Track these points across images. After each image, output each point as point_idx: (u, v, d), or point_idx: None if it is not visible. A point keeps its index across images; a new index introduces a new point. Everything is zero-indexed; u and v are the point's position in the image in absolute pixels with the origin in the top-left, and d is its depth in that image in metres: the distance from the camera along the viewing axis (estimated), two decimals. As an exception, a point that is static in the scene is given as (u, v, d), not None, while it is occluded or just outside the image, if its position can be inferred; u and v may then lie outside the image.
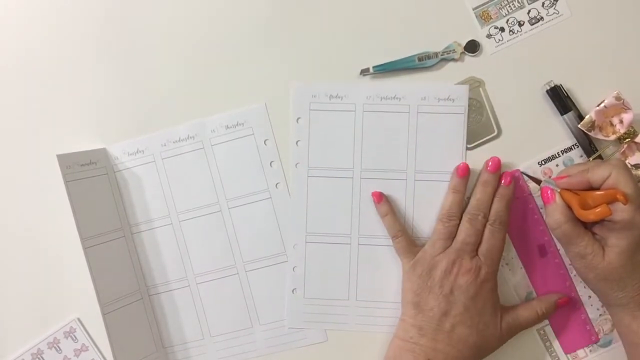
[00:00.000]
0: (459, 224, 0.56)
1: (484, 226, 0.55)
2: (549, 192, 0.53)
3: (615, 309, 0.53)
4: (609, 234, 0.51)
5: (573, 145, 0.58)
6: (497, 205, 0.56)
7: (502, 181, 0.56)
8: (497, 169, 0.56)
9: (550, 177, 0.57)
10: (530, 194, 0.58)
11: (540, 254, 0.58)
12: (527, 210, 0.58)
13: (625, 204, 0.48)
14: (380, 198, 0.58)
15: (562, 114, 0.57)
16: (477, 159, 0.58)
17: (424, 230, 0.59)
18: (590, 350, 0.58)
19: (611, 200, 0.49)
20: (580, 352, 0.59)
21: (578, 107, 0.57)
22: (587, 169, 0.52)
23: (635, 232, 0.49)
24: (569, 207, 0.52)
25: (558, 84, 0.57)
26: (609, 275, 0.51)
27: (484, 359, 0.56)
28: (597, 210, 0.49)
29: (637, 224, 0.49)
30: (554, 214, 0.52)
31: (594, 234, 0.52)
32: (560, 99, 0.57)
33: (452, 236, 0.56)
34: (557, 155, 0.58)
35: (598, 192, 0.50)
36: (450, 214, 0.56)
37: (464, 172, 0.57)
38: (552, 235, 0.58)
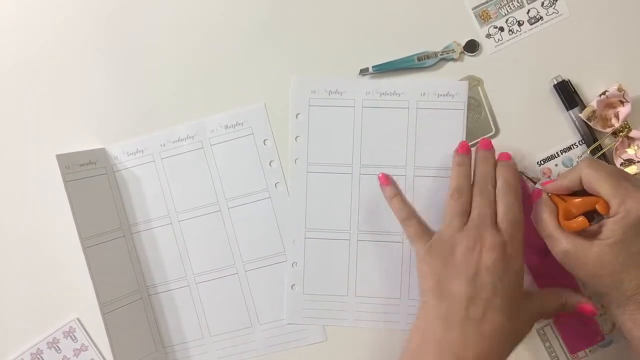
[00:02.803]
0: (471, 201, 0.52)
1: (495, 197, 0.52)
2: (538, 191, 0.54)
3: (615, 311, 0.50)
4: (603, 227, 0.48)
5: (572, 145, 0.58)
6: (502, 172, 0.52)
7: (500, 158, 0.54)
8: (488, 145, 0.54)
9: (549, 177, 0.58)
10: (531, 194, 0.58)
11: (546, 254, 0.58)
12: (528, 210, 0.58)
13: (603, 213, 0.47)
14: (387, 180, 0.57)
15: (568, 109, 0.57)
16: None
17: (424, 226, 0.59)
18: (591, 351, 0.58)
19: (590, 209, 0.49)
20: (581, 353, 0.58)
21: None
22: (564, 176, 0.51)
23: (629, 221, 0.46)
24: (556, 210, 0.52)
25: (566, 78, 0.57)
26: (600, 271, 0.48)
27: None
28: (578, 221, 0.49)
29: (629, 212, 0.46)
30: (536, 208, 0.52)
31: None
32: (568, 93, 0.57)
33: (467, 213, 0.52)
34: (557, 155, 0.58)
35: (578, 200, 0.50)
36: (460, 188, 0.53)
37: (464, 149, 0.55)
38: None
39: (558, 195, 0.52)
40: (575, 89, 0.57)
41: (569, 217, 0.50)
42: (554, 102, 0.58)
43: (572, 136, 0.58)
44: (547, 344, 0.58)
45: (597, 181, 0.48)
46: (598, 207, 0.48)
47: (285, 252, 0.61)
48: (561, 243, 0.49)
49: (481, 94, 0.58)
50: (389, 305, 0.60)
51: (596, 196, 0.49)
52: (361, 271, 0.60)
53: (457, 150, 0.56)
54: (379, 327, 0.60)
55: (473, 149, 0.56)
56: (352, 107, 0.60)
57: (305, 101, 0.60)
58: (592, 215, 0.49)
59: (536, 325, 0.58)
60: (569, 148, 0.58)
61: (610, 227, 0.47)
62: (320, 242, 0.60)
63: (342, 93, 0.60)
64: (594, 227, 0.49)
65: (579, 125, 0.57)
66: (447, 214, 0.53)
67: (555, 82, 0.57)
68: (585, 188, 0.50)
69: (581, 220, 0.48)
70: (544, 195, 0.52)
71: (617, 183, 0.47)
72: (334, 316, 0.60)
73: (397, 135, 0.59)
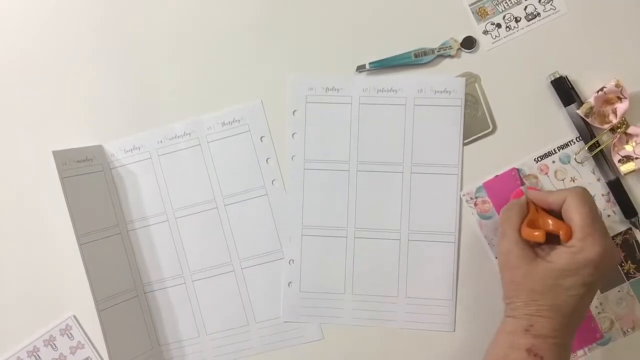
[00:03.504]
0: None
1: None
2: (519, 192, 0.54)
3: (508, 311, 0.50)
4: (554, 251, 0.49)
5: (570, 142, 0.58)
6: None
7: None
8: None
9: (547, 174, 0.57)
10: None
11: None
12: None
13: (564, 240, 0.48)
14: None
15: (565, 106, 0.57)
16: (472, 155, 0.58)
17: (419, 223, 0.59)
18: (589, 349, 0.58)
19: (555, 231, 0.49)
20: (579, 351, 0.58)
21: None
22: (551, 192, 0.52)
23: (579, 257, 0.47)
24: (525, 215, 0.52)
25: (563, 74, 0.57)
26: (523, 282, 0.49)
27: None
28: (535, 233, 0.49)
29: (583, 249, 0.47)
30: (509, 205, 0.52)
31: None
32: (564, 90, 0.57)
33: None
34: (554, 152, 0.58)
35: (549, 220, 0.50)
36: None
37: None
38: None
39: (534, 204, 0.52)
40: (572, 85, 0.57)
41: (532, 227, 0.50)
42: (551, 99, 0.58)
43: (569, 133, 0.58)
44: None
45: (576, 211, 0.48)
46: (562, 236, 0.48)
47: (282, 249, 0.60)
48: (511, 242, 0.50)
49: (478, 90, 0.58)
50: (385, 303, 0.59)
51: (565, 224, 0.49)
52: (358, 269, 0.60)
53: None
54: (376, 325, 0.59)
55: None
56: (349, 103, 0.60)
57: (302, 98, 0.60)
58: (550, 238, 0.50)
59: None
60: (566, 145, 0.58)
61: (559, 254, 0.48)
62: (317, 240, 0.60)
63: (339, 90, 0.60)
64: (544, 246, 0.50)
65: (576, 122, 0.57)
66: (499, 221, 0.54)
67: (552, 79, 0.57)
68: (563, 211, 0.50)
69: (540, 234, 0.49)
70: (523, 198, 0.53)
71: (591, 222, 0.48)
72: (330, 314, 0.60)
73: (394, 132, 0.59)
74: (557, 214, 0.51)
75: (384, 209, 0.59)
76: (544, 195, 0.52)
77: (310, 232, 0.60)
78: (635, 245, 0.58)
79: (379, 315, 0.60)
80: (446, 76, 0.58)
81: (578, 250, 0.47)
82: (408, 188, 0.59)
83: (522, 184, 0.57)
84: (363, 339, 0.60)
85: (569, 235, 0.48)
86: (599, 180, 0.58)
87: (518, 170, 0.58)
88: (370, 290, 0.60)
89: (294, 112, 0.60)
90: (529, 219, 0.51)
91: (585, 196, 0.49)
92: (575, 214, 0.48)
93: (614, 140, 0.56)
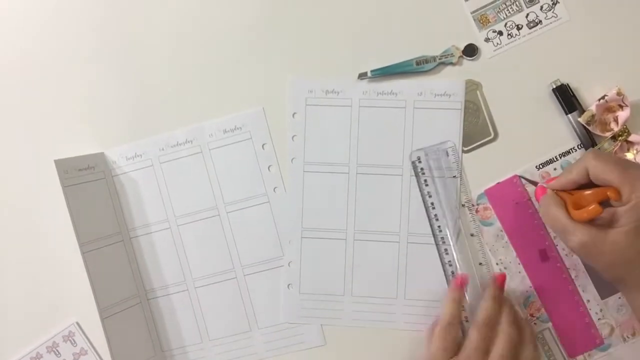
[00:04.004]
0: (456, 338, 0.55)
1: (494, 335, 0.53)
2: (542, 189, 0.53)
3: (629, 296, 0.51)
4: (618, 215, 0.48)
5: (571, 149, 0.58)
6: (508, 315, 0.54)
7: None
8: (502, 284, 0.56)
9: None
10: (530, 200, 0.58)
11: (542, 259, 0.58)
12: (527, 216, 0.58)
13: (615, 199, 0.47)
14: (463, 284, 0.57)
15: (567, 113, 0.57)
16: (473, 162, 0.58)
17: (420, 227, 0.59)
18: (589, 355, 0.58)
19: (602, 198, 0.48)
20: (579, 357, 0.58)
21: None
22: (570, 171, 0.51)
23: None
24: (564, 204, 0.51)
25: (565, 82, 0.57)
26: (616, 259, 0.48)
27: None
28: (590, 208, 0.48)
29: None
30: (544, 204, 0.52)
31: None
32: (566, 97, 0.57)
33: (452, 350, 0.54)
34: (555, 159, 0.58)
35: (588, 192, 0.50)
36: (452, 324, 0.55)
37: (460, 284, 0.57)
38: (551, 235, 0.58)
39: (563, 190, 0.52)
40: (574, 92, 0.57)
41: (578, 208, 0.49)
42: (553, 106, 0.58)
43: (570, 140, 0.58)
44: (546, 348, 0.58)
45: (606, 171, 0.48)
46: (610, 195, 0.48)
47: (284, 256, 0.61)
48: (576, 235, 0.49)
49: (480, 98, 0.58)
50: (385, 305, 0.60)
51: (604, 187, 0.49)
52: (357, 271, 0.60)
53: (453, 285, 0.57)
54: (375, 326, 0.60)
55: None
56: (349, 106, 0.60)
57: (301, 100, 0.60)
58: (602, 205, 0.49)
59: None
60: (568, 152, 0.58)
61: (625, 215, 0.47)
62: (316, 242, 0.60)
63: (338, 92, 0.60)
64: (605, 216, 0.49)
65: (577, 130, 0.57)
66: (431, 347, 0.54)
67: (554, 86, 0.57)
68: (593, 180, 0.49)
69: (594, 207, 0.48)
70: (549, 192, 0.52)
71: (625, 171, 0.47)
72: (330, 315, 0.60)
73: (394, 135, 0.59)
74: (585, 186, 0.50)
75: (383, 211, 0.60)
76: (566, 177, 0.51)
77: (309, 234, 0.60)
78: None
79: (379, 317, 0.60)
80: (446, 79, 0.58)
81: (638, 200, 0.46)
82: (407, 191, 0.59)
83: (535, 184, 0.55)
84: (365, 344, 0.60)
85: (618, 193, 0.47)
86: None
87: (520, 177, 0.58)
88: (370, 292, 0.60)
89: (293, 115, 0.60)
90: (572, 204, 0.50)
91: (601, 155, 0.49)
92: (607, 176, 0.48)
93: (615, 148, 0.56)
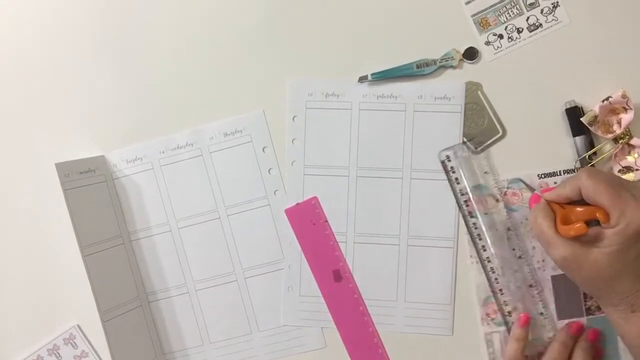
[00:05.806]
0: None
1: None
2: (536, 197, 0.54)
3: (608, 309, 0.52)
4: (603, 235, 0.49)
5: (576, 168, 0.57)
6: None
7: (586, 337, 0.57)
8: (594, 338, 0.57)
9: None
10: (327, 221, 0.59)
11: (335, 279, 0.60)
12: (324, 237, 0.60)
13: (603, 222, 0.48)
14: (526, 323, 0.57)
15: (574, 136, 0.57)
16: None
17: (419, 230, 0.59)
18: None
19: (591, 218, 0.49)
20: None
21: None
22: (564, 185, 0.51)
23: (629, 231, 0.47)
24: (554, 216, 0.51)
25: (580, 104, 0.57)
26: (596, 276, 0.49)
27: None
28: (576, 226, 0.48)
29: (629, 223, 0.47)
30: (534, 213, 0.52)
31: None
32: (578, 120, 0.56)
33: None
34: (558, 174, 0.58)
35: (579, 209, 0.50)
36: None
37: (577, 330, 0.57)
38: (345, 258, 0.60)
39: (557, 204, 0.52)
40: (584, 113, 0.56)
41: (567, 223, 0.50)
42: (554, 113, 0.58)
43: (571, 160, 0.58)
44: (490, 350, 0.59)
45: (597, 192, 0.48)
46: (599, 216, 0.48)
47: (284, 259, 0.61)
48: (559, 249, 0.50)
49: (482, 98, 0.58)
50: (385, 307, 0.60)
51: (594, 206, 0.49)
52: (357, 273, 0.60)
53: (568, 328, 0.57)
54: (376, 329, 0.60)
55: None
56: (349, 109, 0.60)
57: (302, 103, 0.60)
58: (588, 223, 0.49)
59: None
60: (573, 171, 0.58)
61: (610, 238, 0.48)
62: None
63: (338, 95, 0.60)
64: (591, 233, 0.49)
65: (580, 153, 0.57)
66: None
67: (567, 107, 0.57)
68: (585, 198, 0.50)
69: (580, 226, 0.48)
70: (542, 201, 0.52)
71: (617, 194, 0.48)
72: (330, 318, 0.61)
73: (394, 138, 0.59)
74: (579, 201, 0.50)
75: (384, 214, 0.60)
76: (559, 191, 0.51)
77: (310, 237, 0.61)
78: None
79: (379, 320, 0.60)
80: (447, 82, 0.58)
81: (625, 226, 0.47)
82: (407, 193, 0.59)
83: (532, 190, 0.56)
84: (365, 347, 0.60)
85: (607, 216, 0.48)
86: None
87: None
88: (370, 295, 0.60)
89: (293, 118, 0.60)
90: (561, 218, 0.50)
91: (595, 175, 0.49)
92: (598, 197, 0.48)
93: (616, 150, 0.56)
